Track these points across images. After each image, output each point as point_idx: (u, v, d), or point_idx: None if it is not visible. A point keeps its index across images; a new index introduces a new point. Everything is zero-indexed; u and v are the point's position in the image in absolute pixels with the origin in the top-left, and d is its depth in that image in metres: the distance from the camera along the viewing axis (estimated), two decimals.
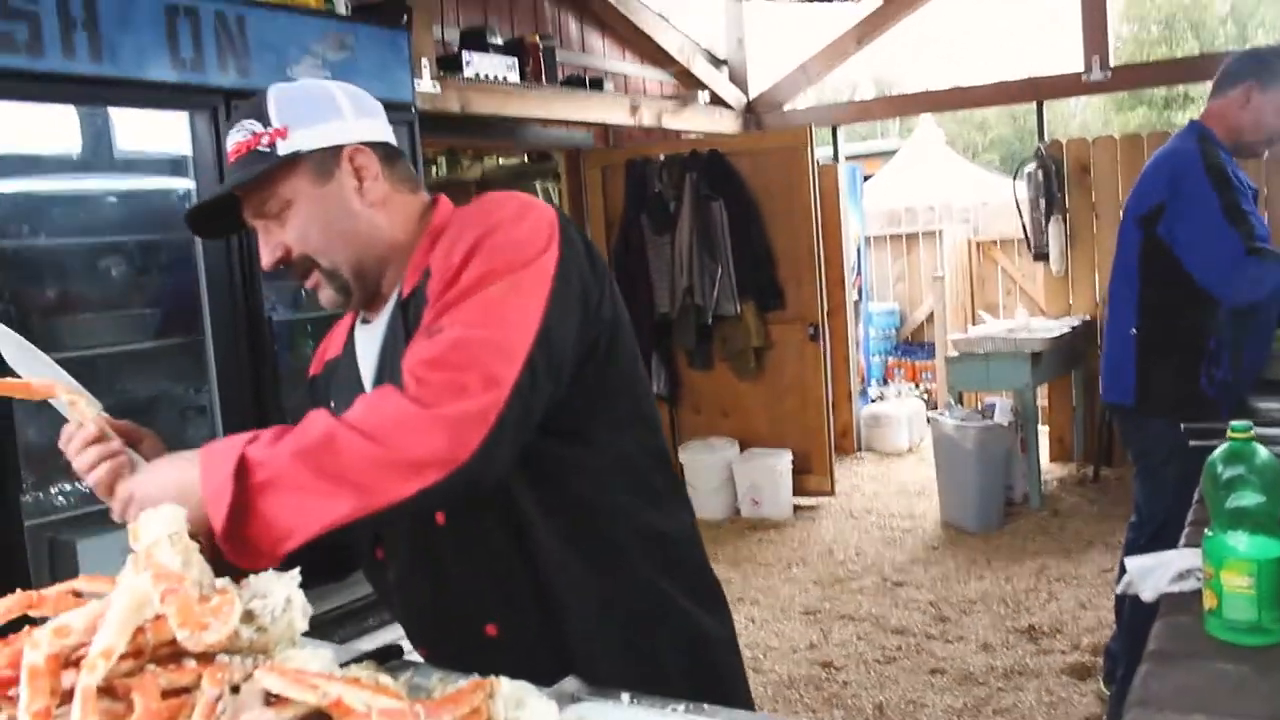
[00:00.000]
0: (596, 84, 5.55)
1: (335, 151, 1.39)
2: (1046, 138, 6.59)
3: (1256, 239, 2.84)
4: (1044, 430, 6.66)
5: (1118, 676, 3.16)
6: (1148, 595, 1.54)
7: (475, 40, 4.79)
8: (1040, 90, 6.54)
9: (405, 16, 3.51)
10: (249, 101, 1.42)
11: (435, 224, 1.41)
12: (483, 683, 1.01)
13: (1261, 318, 2.97)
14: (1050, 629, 3.97)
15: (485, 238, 1.28)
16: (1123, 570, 1.62)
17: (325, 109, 1.41)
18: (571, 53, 5.82)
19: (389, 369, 1.38)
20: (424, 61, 4.19)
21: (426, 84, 4.18)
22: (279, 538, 1.14)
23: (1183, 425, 2.59)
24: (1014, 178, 6.73)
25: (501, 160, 7.09)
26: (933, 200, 8.52)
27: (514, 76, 4.82)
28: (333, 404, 1.41)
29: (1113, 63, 6.21)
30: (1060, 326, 5.96)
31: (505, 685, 1.02)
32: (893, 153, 11.68)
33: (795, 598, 4.59)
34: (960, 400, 5.97)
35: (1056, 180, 6.31)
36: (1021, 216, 6.58)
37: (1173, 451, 2.87)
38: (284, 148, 1.36)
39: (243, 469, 1.15)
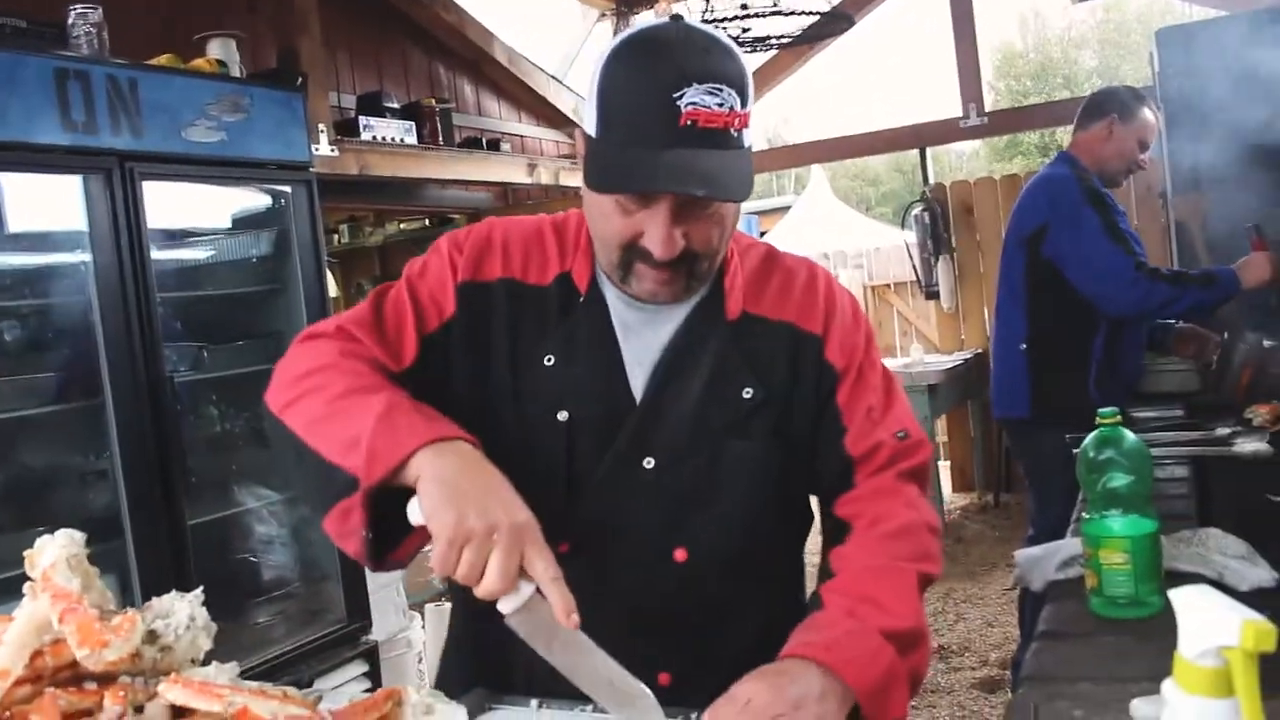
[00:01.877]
0: (494, 145, 5.64)
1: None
2: (931, 182, 6.88)
3: (1140, 256, 3.06)
4: (946, 464, 6.88)
5: None
6: (1036, 585, 1.63)
7: (371, 105, 4.86)
8: (922, 137, 6.84)
9: (300, 79, 3.56)
10: (722, 53, 1.17)
11: None
12: (392, 691, 1.04)
13: (1133, 330, 3.18)
14: (959, 648, 4.10)
15: (865, 323, 1.40)
16: None
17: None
18: (468, 115, 5.91)
19: (674, 374, 1.30)
20: (320, 126, 4.24)
21: (324, 148, 4.23)
22: None
23: (1067, 436, 2.74)
24: (902, 221, 6.99)
25: (403, 225, 7.13)
26: (827, 248, 8.77)
27: (411, 139, 4.89)
28: (553, 363, 1.29)
29: (988, 109, 6.54)
30: (954, 360, 6.20)
31: (413, 693, 1.04)
32: (789, 208, 12.02)
33: None
34: None
35: (942, 221, 6.59)
36: (912, 258, 6.84)
37: (1064, 462, 3.02)
38: (746, 138, 1.19)
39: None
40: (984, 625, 4.33)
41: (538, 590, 1.04)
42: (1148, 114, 3.34)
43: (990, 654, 4.00)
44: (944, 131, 6.77)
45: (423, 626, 3.86)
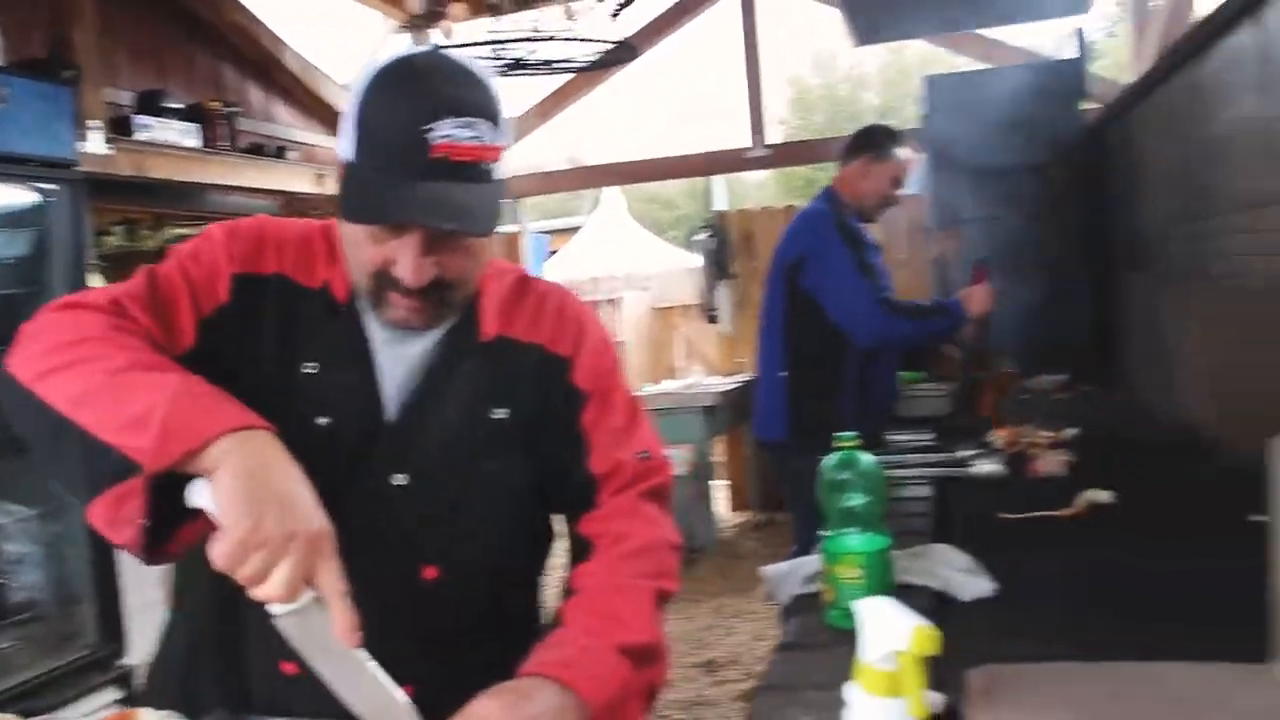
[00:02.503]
0: (281, 153, 5.51)
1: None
2: (719, 209, 7.11)
3: (883, 290, 3.26)
4: (723, 483, 7.11)
5: None
6: (783, 599, 1.73)
7: (152, 104, 4.64)
8: (711, 164, 7.07)
9: (70, 72, 3.39)
10: (477, 87, 1.20)
11: None
12: (126, 714, 1.02)
13: (885, 358, 3.39)
14: (727, 661, 4.26)
15: (613, 348, 1.44)
16: None
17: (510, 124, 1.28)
18: (255, 120, 5.74)
19: (428, 393, 1.31)
20: (93, 123, 4.05)
21: (99, 145, 4.04)
22: None
23: (820, 459, 2.91)
24: (688, 244, 7.21)
25: (182, 230, 6.83)
26: (616, 269, 8.94)
27: (194, 142, 4.72)
28: (314, 370, 1.28)
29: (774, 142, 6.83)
30: (731, 383, 6.41)
31: (150, 714, 1.04)
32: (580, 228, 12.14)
33: None
34: None
35: (726, 248, 6.82)
36: (697, 282, 7.06)
37: (817, 484, 3.21)
38: (498, 171, 1.22)
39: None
40: (752, 639, 4.51)
41: (316, 598, 1.03)
42: (902, 152, 3.54)
43: (756, 667, 4.16)
44: (731, 160, 7.01)
45: None
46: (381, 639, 1.08)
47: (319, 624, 1.03)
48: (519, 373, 1.36)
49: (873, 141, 3.55)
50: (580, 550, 1.35)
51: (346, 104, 1.23)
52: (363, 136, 1.19)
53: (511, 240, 7.09)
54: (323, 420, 1.27)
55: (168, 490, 1.04)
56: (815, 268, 3.39)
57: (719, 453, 7.22)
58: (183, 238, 6.98)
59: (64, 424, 1.07)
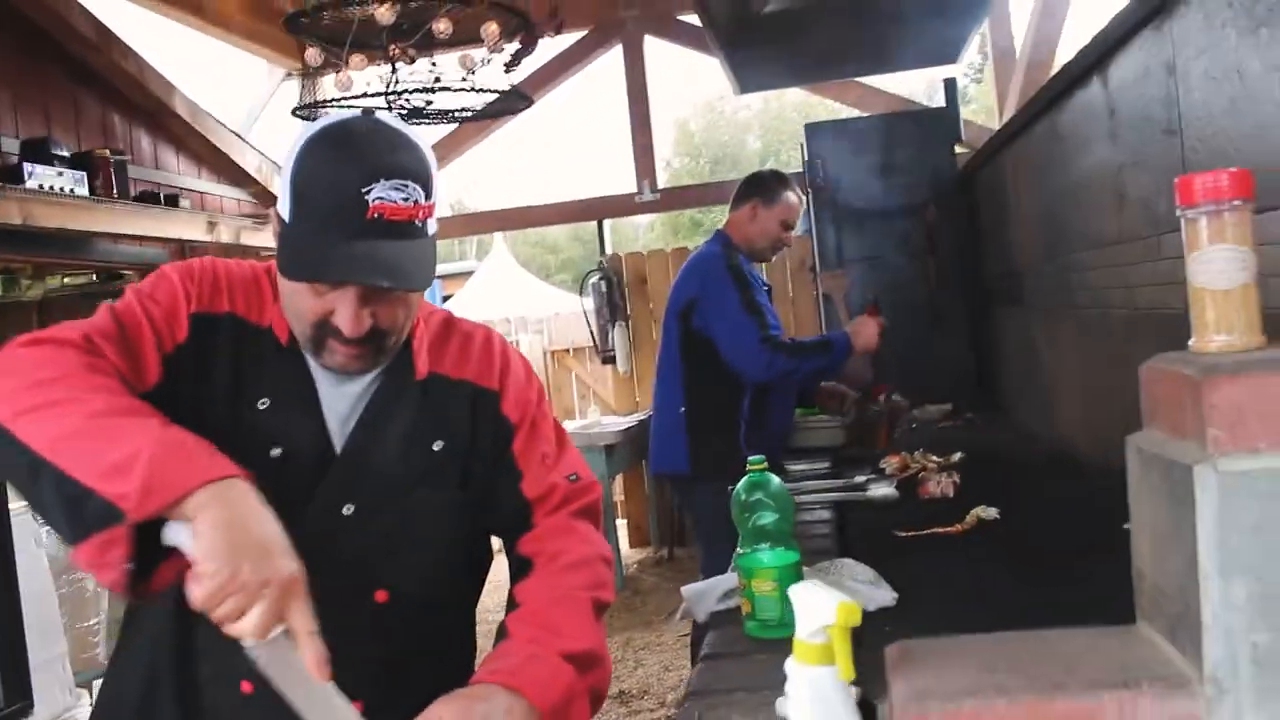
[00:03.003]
0: (172, 200, 5.47)
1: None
2: (608, 252, 7.26)
3: (770, 329, 3.41)
4: (623, 522, 7.20)
5: None
6: (700, 616, 1.84)
7: (38, 151, 4.58)
8: (598, 210, 7.22)
9: None
10: (409, 151, 1.28)
11: None
12: None
13: (780, 392, 3.54)
14: (639, 691, 4.34)
15: (537, 381, 1.57)
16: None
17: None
18: (145, 169, 5.69)
19: (371, 429, 1.39)
20: None
21: None
22: None
23: (730, 487, 3.03)
24: (580, 289, 7.32)
25: (66, 279, 6.70)
26: (508, 313, 8.98)
27: (82, 190, 4.67)
28: (265, 406, 1.35)
29: (661, 186, 7.01)
30: (629, 421, 6.51)
31: None
32: (471, 273, 12.19)
33: None
34: None
35: (619, 290, 6.96)
36: (589, 324, 7.17)
37: (724, 511, 3.32)
38: (429, 227, 1.31)
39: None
40: (661, 670, 4.60)
41: (285, 631, 1.09)
42: (790, 196, 3.70)
43: (667, 695, 4.26)
44: (619, 205, 7.17)
45: (91, 704, 3.65)
46: (338, 658, 1.16)
47: (288, 656, 1.10)
48: (452, 407, 1.46)
49: (762, 186, 3.71)
50: (520, 568, 1.45)
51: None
52: (300, 198, 1.27)
53: None
54: (276, 451, 1.34)
55: (148, 529, 1.09)
56: (706, 309, 3.52)
57: (618, 491, 7.32)
58: (66, 286, 6.86)
59: (42, 463, 1.10)
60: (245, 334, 1.38)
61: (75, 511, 1.08)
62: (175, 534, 1.09)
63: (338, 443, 1.39)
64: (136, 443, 1.09)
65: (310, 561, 1.29)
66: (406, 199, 1.24)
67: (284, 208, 1.30)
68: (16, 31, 4.84)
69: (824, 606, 0.85)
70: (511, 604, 1.40)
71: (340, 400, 1.41)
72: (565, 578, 1.40)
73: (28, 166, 4.40)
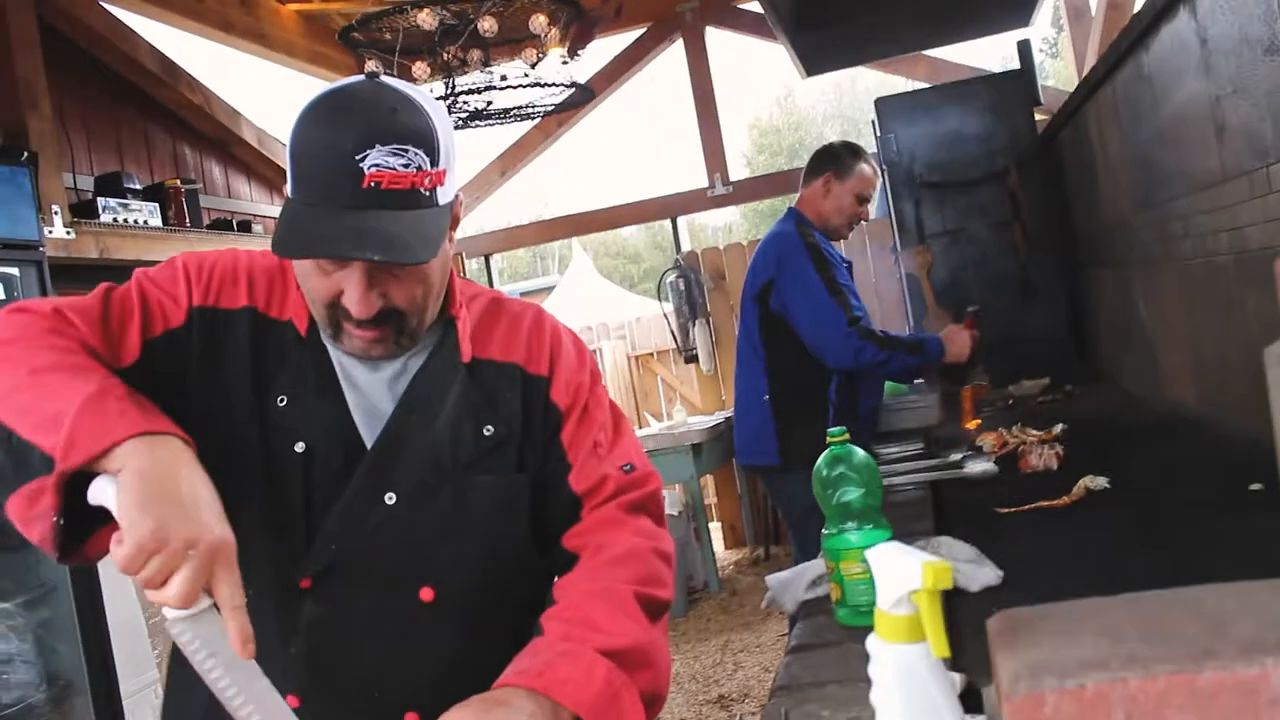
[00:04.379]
0: (245, 226, 5.51)
1: (455, 200, 1.28)
2: (684, 250, 7.14)
3: (855, 311, 3.25)
4: (716, 525, 7.08)
5: None
6: (789, 607, 1.71)
7: (111, 186, 4.65)
8: (672, 207, 7.11)
9: (26, 154, 3.38)
10: (410, 113, 1.18)
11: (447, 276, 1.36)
12: None
13: (867, 375, 3.37)
14: (739, 695, 4.20)
15: (590, 363, 1.45)
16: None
17: (455, 147, 1.26)
18: (216, 197, 5.75)
19: (412, 414, 1.30)
20: (55, 208, 4.04)
21: (59, 230, 4.03)
22: None
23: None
24: (658, 290, 7.22)
25: None
26: (590, 321, 8.93)
27: (155, 221, 4.71)
28: (285, 401, 1.27)
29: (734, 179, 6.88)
30: (716, 419, 6.39)
31: None
32: (553, 288, 12.20)
33: None
34: None
35: (697, 287, 6.84)
36: (670, 325, 7.06)
37: (814, 500, 3.18)
38: (441, 196, 1.21)
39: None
40: (761, 671, 4.46)
41: (214, 605, 1.01)
42: (864, 168, 3.53)
43: (769, 697, 4.11)
44: (691, 201, 7.06)
45: None
46: (381, 662, 1.06)
47: (213, 632, 1.01)
48: (502, 391, 1.36)
49: (835, 159, 3.55)
50: (565, 564, 1.34)
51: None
52: (296, 170, 1.18)
53: None
54: (300, 447, 1.26)
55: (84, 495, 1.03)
56: (785, 289, 3.37)
57: (710, 492, 7.19)
58: None
59: None
60: (265, 327, 1.30)
61: (18, 462, 1.05)
62: (102, 491, 1.02)
63: (365, 431, 1.29)
64: (71, 397, 1.04)
65: (348, 555, 1.22)
66: (407, 165, 1.15)
67: (289, 182, 1.21)
68: (86, 71, 4.92)
69: (907, 570, 0.72)
70: (549, 601, 1.29)
71: (375, 388, 1.32)
72: (608, 570, 1.28)
73: (101, 201, 4.46)
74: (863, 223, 3.64)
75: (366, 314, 1.21)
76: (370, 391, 1.31)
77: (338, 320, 1.24)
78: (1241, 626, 0.61)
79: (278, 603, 1.24)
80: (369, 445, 1.29)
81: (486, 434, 1.32)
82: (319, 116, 1.18)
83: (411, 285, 1.24)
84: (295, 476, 1.25)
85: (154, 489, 0.99)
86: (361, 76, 1.24)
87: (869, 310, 3.66)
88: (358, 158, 1.12)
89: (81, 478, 1.02)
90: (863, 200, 3.55)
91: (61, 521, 1.02)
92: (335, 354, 1.31)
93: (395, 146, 1.14)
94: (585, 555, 1.32)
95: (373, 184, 1.13)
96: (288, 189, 1.21)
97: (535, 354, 1.39)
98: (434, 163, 1.18)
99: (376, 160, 1.12)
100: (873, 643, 0.77)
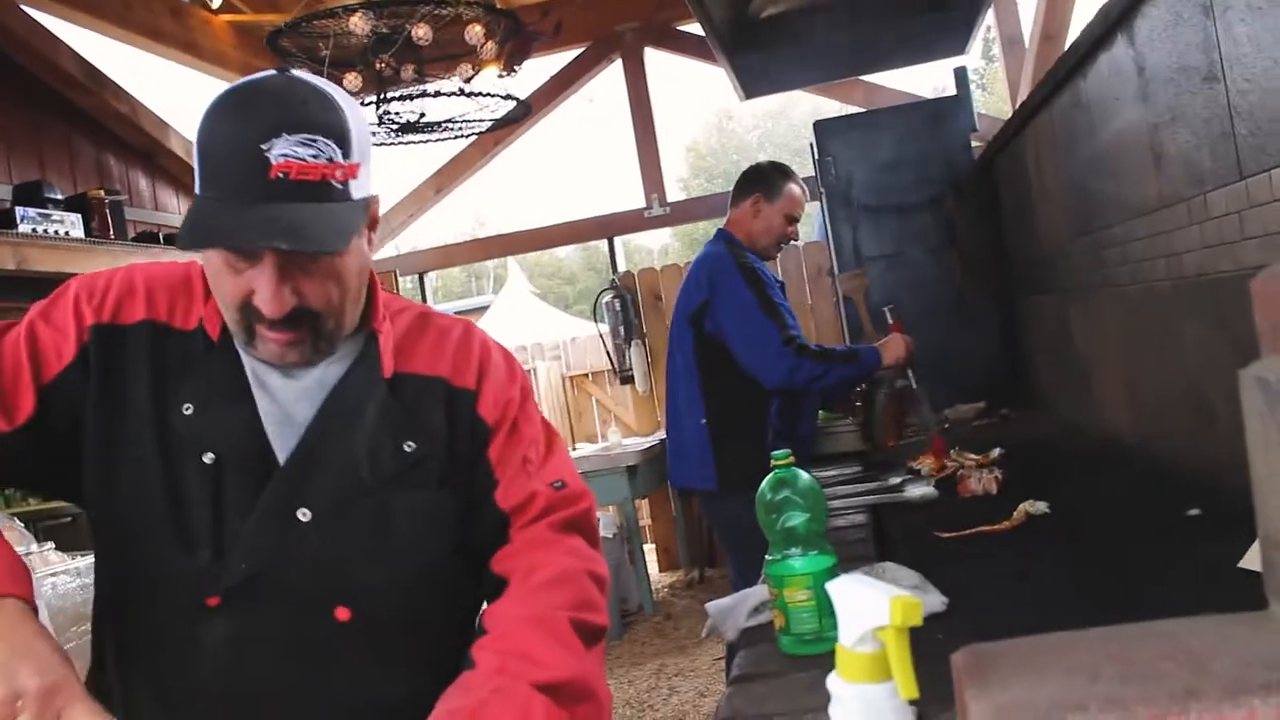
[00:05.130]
0: (171, 240, 5.37)
1: (371, 198, 1.24)
2: (620, 270, 7.11)
3: (789, 330, 3.22)
4: (651, 547, 7.03)
5: None
6: (730, 634, 1.67)
7: (31, 195, 4.52)
8: (608, 227, 7.08)
9: None
10: (321, 104, 1.15)
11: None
12: None
13: (806, 398, 3.34)
14: None
15: (521, 378, 1.40)
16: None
17: (370, 142, 1.23)
18: (142, 209, 5.61)
19: (328, 428, 1.25)
20: None
21: None
22: None
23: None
24: (594, 310, 7.17)
25: None
26: (524, 340, 8.86)
27: (78, 232, 4.58)
28: (190, 410, 1.22)
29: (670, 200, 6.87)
30: (651, 441, 6.35)
31: None
32: (487, 307, 12.12)
33: None
34: None
35: (633, 308, 6.80)
36: (605, 346, 7.01)
37: (754, 524, 3.13)
38: (354, 190, 1.17)
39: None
40: (697, 696, 4.41)
41: None
42: (793, 188, 3.49)
43: None
44: (628, 221, 7.04)
45: None
46: (294, 684, 1.01)
47: None
48: (425, 406, 1.31)
49: (763, 179, 3.51)
50: (495, 589, 1.29)
51: None
52: (204, 164, 1.14)
53: None
54: (209, 457, 1.20)
55: None
56: (719, 310, 3.32)
57: (644, 514, 7.14)
58: None
59: None
60: (165, 338, 1.25)
61: None
62: None
63: (278, 443, 1.24)
64: None
65: (260, 572, 1.17)
66: (317, 155, 1.11)
67: (197, 179, 1.17)
68: (6, 77, 4.76)
69: (874, 605, 0.68)
70: (479, 629, 1.24)
71: (289, 395, 1.26)
72: (541, 596, 1.23)
73: (20, 210, 4.32)
74: (798, 245, 3.63)
75: (278, 312, 1.16)
76: (284, 399, 1.26)
77: (250, 324, 1.19)
78: (1223, 664, 0.58)
79: (186, 621, 1.19)
80: (281, 457, 1.23)
81: (407, 450, 1.27)
82: (226, 110, 1.14)
83: (325, 283, 1.19)
84: (204, 489, 1.19)
85: None
86: (272, 71, 1.20)
87: (809, 330, 3.64)
88: (264, 147, 1.09)
89: None
90: (792, 220, 3.51)
91: None
92: (249, 361, 1.26)
93: (304, 136, 1.10)
94: (515, 579, 1.27)
95: (280, 174, 1.09)
96: (196, 188, 1.16)
97: (462, 367, 1.35)
98: (346, 155, 1.14)
99: (284, 150, 1.09)
100: (833, 682, 0.73)
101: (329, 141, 1.12)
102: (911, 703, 0.70)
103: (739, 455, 3.29)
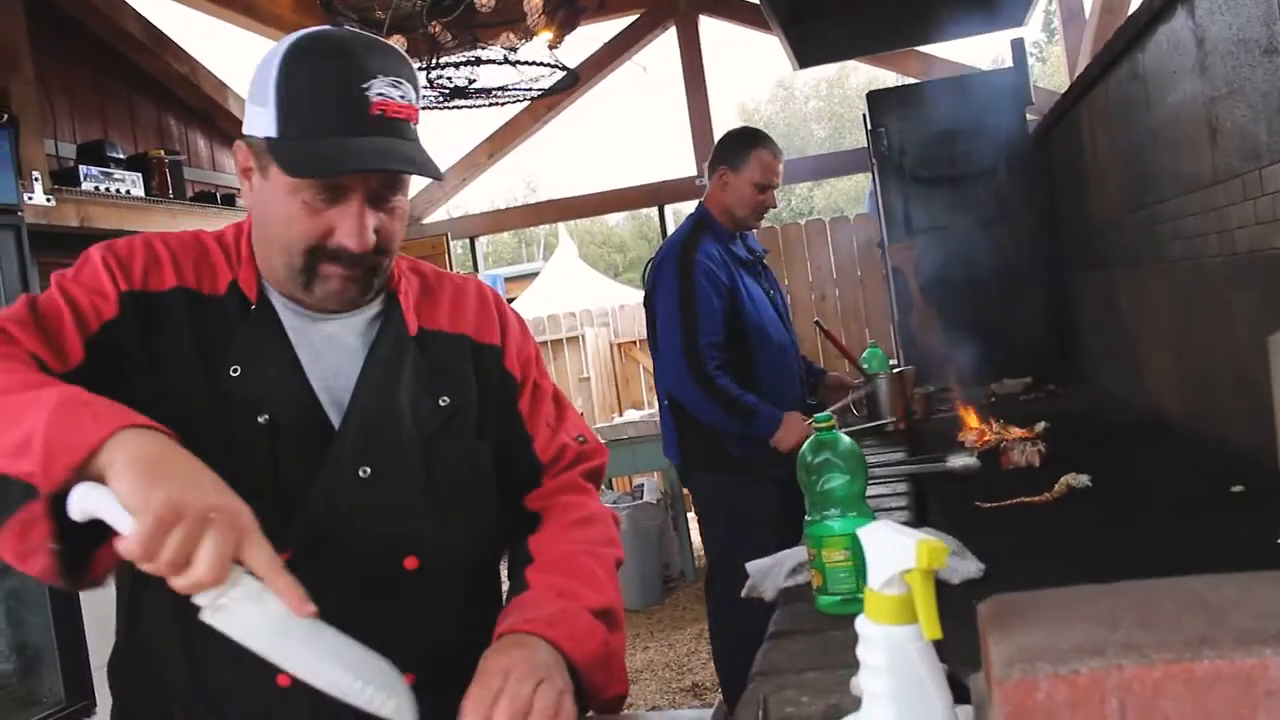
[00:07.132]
0: (229, 200, 5.45)
1: None
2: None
3: (705, 336, 3.13)
4: (693, 515, 7.05)
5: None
6: (769, 594, 1.70)
7: (94, 155, 4.60)
8: (659, 195, 7.07)
9: (6, 117, 3.33)
10: (396, 54, 1.24)
11: None
12: None
13: (769, 376, 3.30)
14: (712, 684, 4.21)
15: (532, 338, 1.50)
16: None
17: None
18: (201, 170, 5.70)
19: (374, 386, 1.30)
20: (35, 174, 3.99)
21: (39, 197, 3.97)
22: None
23: (718, 477, 2.92)
24: (642, 278, 7.18)
25: None
26: (573, 307, 8.90)
27: (138, 191, 4.66)
28: (239, 372, 1.24)
29: None
30: None
31: None
32: (537, 274, 12.16)
33: None
34: (611, 485, 6.23)
35: None
36: None
37: (716, 498, 3.16)
38: (419, 133, 1.28)
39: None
40: None
41: (246, 580, 0.96)
42: (762, 154, 3.38)
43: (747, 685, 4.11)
44: (679, 190, 7.02)
45: None
46: (369, 635, 1.05)
47: (257, 605, 0.96)
48: (453, 362, 1.38)
49: (728, 150, 3.43)
50: (529, 523, 1.39)
51: (251, 85, 1.24)
52: (290, 107, 1.19)
53: None
54: (263, 418, 1.24)
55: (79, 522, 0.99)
56: (656, 299, 3.32)
57: None
58: None
59: None
60: (199, 304, 1.28)
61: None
62: (85, 498, 0.96)
63: (325, 400, 1.29)
64: (34, 417, 0.99)
65: (328, 530, 1.21)
66: (404, 96, 1.22)
67: (265, 124, 1.21)
68: (71, 38, 4.85)
69: (900, 549, 0.70)
70: (525, 556, 1.33)
71: (328, 358, 1.31)
72: (580, 531, 1.35)
73: (83, 169, 4.41)
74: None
75: (365, 246, 1.23)
76: (325, 359, 1.31)
77: (316, 264, 1.24)
78: (1239, 616, 0.60)
79: None
80: (330, 416, 1.28)
81: (442, 404, 1.34)
82: (313, 55, 1.21)
83: (395, 223, 1.28)
84: (262, 449, 1.23)
85: (155, 468, 0.96)
86: (328, 26, 1.29)
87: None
88: (363, 86, 1.18)
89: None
90: (764, 188, 3.40)
91: (60, 547, 0.98)
92: (289, 323, 1.31)
93: (394, 79, 1.20)
94: (551, 515, 1.38)
95: (379, 111, 1.18)
96: (264, 130, 1.21)
97: (484, 324, 1.44)
98: (416, 99, 1.24)
99: (381, 90, 1.19)
100: (862, 624, 0.76)
101: (409, 86, 1.22)
102: (934, 643, 0.73)
103: (696, 436, 3.29)
